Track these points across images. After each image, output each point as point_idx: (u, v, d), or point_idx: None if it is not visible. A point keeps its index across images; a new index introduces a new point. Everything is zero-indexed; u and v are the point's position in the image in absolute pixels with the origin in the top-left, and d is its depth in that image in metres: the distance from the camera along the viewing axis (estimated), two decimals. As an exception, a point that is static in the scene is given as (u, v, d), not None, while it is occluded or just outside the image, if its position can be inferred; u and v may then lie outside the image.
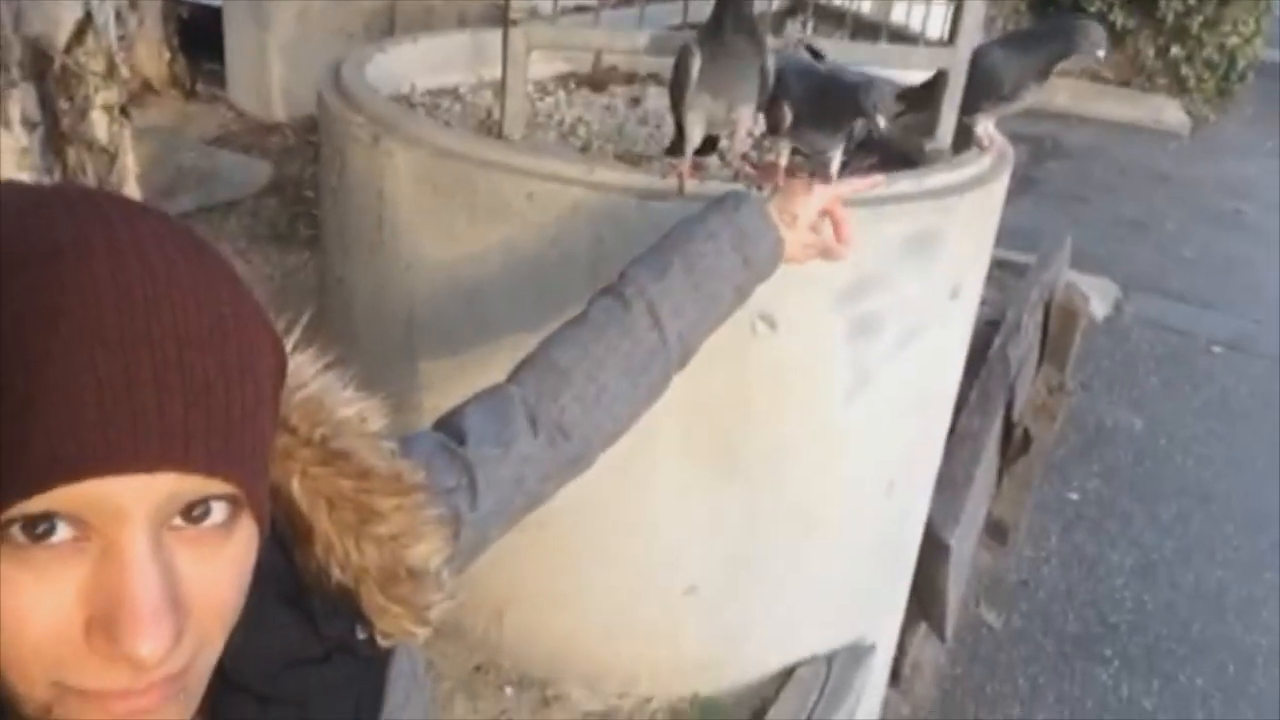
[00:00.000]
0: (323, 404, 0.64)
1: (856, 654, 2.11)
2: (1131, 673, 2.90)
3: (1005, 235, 2.07)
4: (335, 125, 1.85)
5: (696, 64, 1.52)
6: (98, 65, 2.09)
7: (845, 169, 1.67)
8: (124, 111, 2.18)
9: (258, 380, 0.51)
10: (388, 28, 4.28)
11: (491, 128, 1.93)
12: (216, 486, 0.49)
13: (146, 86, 4.79)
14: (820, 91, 1.54)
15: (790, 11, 2.40)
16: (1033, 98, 1.82)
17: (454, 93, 2.20)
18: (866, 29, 1.85)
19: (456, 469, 0.88)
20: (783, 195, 1.21)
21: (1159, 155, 7.35)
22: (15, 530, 0.46)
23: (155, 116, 4.54)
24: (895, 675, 2.60)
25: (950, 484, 2.62)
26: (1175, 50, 8.04)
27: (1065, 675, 2.87)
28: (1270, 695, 2.85)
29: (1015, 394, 3.50)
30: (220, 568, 0.51)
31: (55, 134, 2.07)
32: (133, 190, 2.20)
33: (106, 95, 2.11)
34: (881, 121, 1.43)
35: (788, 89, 1.57)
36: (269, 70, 4.63)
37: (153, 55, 4.86)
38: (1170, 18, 7.88)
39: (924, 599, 2.60)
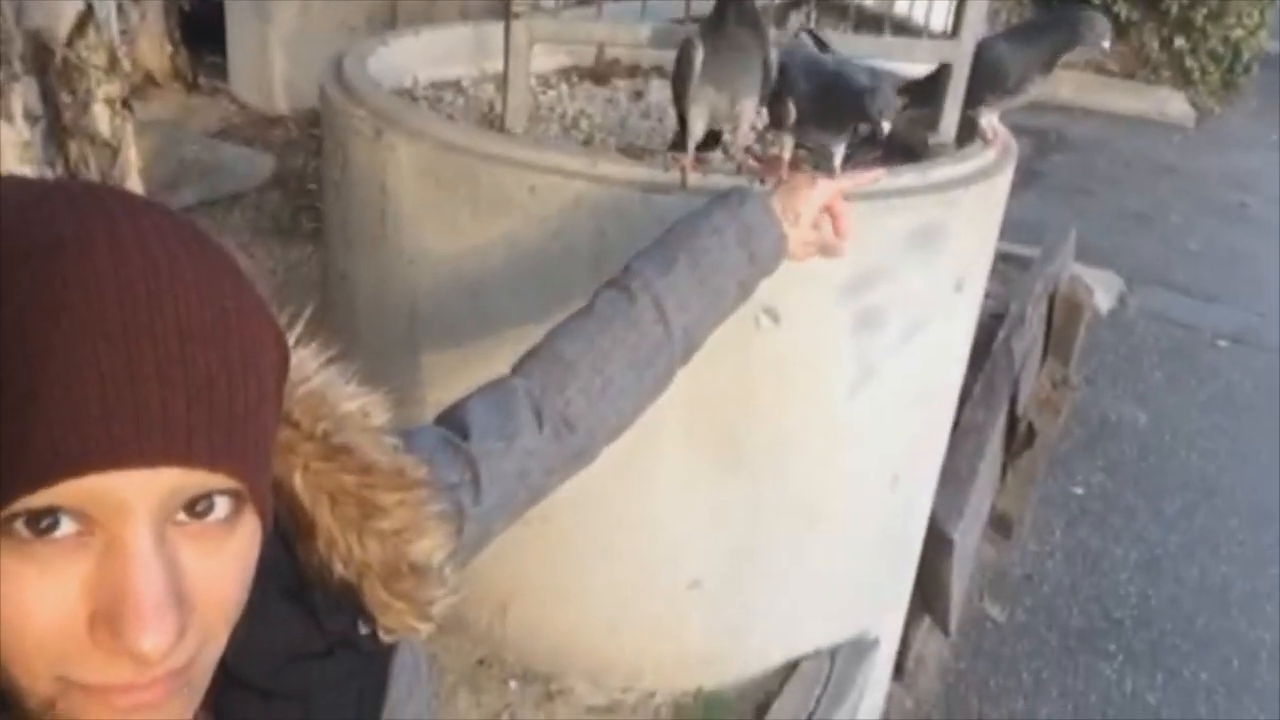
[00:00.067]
0: (325, 398, 0.64)
1: (860, 648, 2.11)
2: (1135, 667, 2.90)
3: (1009, 228, 2.06)
4: (337, 119, 1.84)
5: (699, 57, 1.52)
6: (100, 58, 2.08)
7: (848, 161, 1.66)
8: (126, 105, 2.18)
9: (260, 375, 0.51)
10: (390, 20, 4.27)
11: (494, 121, 1.93)
12: (219, 481, 0.49)
13: (149, 80, 4.79)
14: (825, 91, 1.53)
15: (793, 4, 2.39)
16: (1037, 90, 1.82)
17: (456, 86, 2.19)
18: (870, 21, 1.85)
19: (460, 464, 0.87)
20: (785, 192, 1.20)
21: (1163, 148, 7.33)
22: (19, 525, 0.46)
23: (157, 110, 4.54)
24: (899, 669, 2.60)
25: (954, 478, 2.62)
26: (1180, 42, 8.01)
27: (1069, 670, 2.87)
28: (1274, 690, 2.85)
29: (1019, 387, 3.49)
30: (223, 563, 0.51)
31: (57, 128, 2.07)
32: (135, 184, 2.20)
33: (108, 88, 2.11)
34: (886, 126, 1.42)
35: (792, 86, 1.56)
36: (271, 63, 4.64)
37: (155, 48, 4.86)
38: (1175, 9, 7.86)
39: (928, 593, 2.60)
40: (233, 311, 0.50)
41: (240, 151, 4.31)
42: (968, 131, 1.88)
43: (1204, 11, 7.88)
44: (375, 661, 0.66)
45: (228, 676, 0.57)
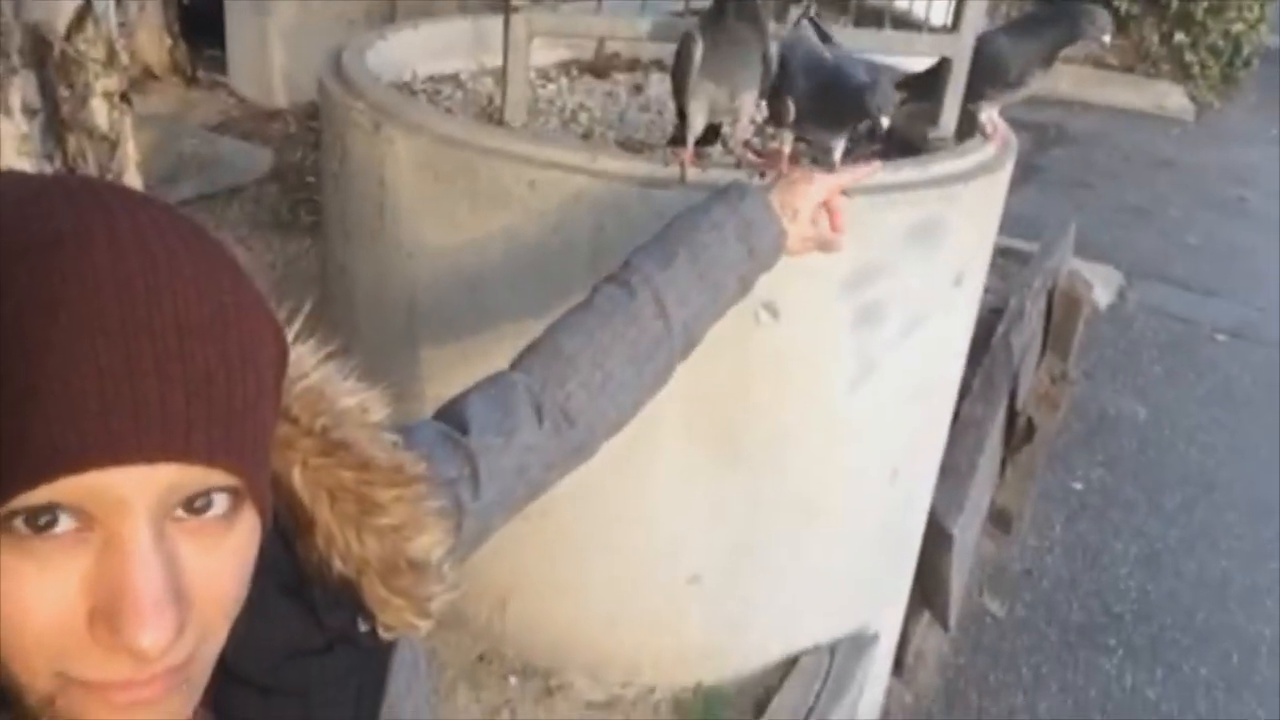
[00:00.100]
0: (324, 394, 0.63)
1: (860, 643, 2.11)
2: (1135, 662, 2.90)
3: (1009, 223, 2.06)
4: (336, 112, 1.84)
5: (699, 51, 1.52)
6: (98, 52, 2.08)
7: (848, 156, 1.66)
8: (124, 98, 2.18)
9: (259, 370, 0.50)
10: (389, 14, 4.26)
11: (493, 115, 1.92)
12: (218, 477, 0.49)
13: (147, 73, 4.79)
14: (824, 88, 1.53)
15: (793, -2, 2.39)
16: (1037, 85, 1.81)
17: (455, 79, 2.19)
18: (870, 15, 1.84)
19: (459, 459, 0.87)
20: (783, 188, 1.20)
21: (1163, 142, 7.32)
22: (18, 522, 0.46)
23: (156, 103, 4.54)
24: (898, 664, 2.60)
25: (954, 472, 2.62)
26: (1180, 36, 8.01)
27: (1069, 664, 2.87)
28: (1274, 685, 2.85)
29: (1019, 382, 3.49)
30: (222, 559, 0.51)
31: (56, 121, 2.07)
32: (133, 177, 2.20)
33: (107, 82, 2.10)
34: (885, 121, 1.42)
35: (792, 83, 1.56)
36: (270, 57, 4.63)
37: (153, 42, 4.85)
38: (1175, 3, 7.85)
39: (927, 588, 2.60)
40: (231, 306, 0.49)
41: (239, 145, 4.31)
42: (967, 126, 1.88)
43: (1204, 6, 7.87)
44: (374, 658, 0.66)
45: (227, 673, 0.56)
